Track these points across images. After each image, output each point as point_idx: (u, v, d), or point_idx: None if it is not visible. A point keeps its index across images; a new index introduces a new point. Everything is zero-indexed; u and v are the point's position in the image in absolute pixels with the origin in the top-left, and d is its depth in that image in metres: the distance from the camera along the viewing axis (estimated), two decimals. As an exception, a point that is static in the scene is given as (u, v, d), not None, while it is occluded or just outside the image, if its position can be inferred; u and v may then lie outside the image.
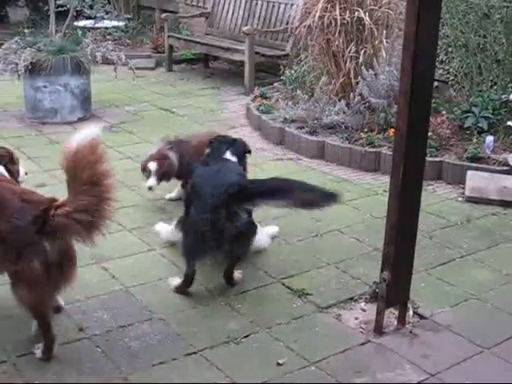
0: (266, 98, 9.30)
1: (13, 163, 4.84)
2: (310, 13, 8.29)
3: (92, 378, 3.98)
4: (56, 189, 6.60)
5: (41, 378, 3.96)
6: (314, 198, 4.82)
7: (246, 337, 4.39)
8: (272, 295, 4.89)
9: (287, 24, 10.43)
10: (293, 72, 9.30)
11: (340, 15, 7.93)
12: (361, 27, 8.05)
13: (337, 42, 8.04)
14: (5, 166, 4.71)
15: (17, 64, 8.73)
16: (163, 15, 12.49)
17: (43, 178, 6.92)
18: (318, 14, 7.99)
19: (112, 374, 4.03)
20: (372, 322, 4.51)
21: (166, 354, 4.19)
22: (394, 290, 4.39)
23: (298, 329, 4.49)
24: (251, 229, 5.03)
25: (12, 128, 8.83)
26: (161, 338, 4.35)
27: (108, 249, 5.47)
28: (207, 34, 12.31)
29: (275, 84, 9.94)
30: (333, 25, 8.01)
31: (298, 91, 8.54)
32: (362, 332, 4.49)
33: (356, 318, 4.63)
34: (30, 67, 8.74)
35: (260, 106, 8.95)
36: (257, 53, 10.55)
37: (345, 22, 7.96)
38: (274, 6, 11.23)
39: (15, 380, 3.96)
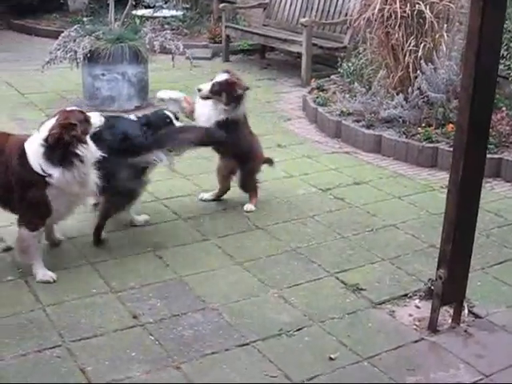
0: (322, 91, 9.24)
1: None
2: (369, 5, 8.20)
3: (144, 365, 4.00)
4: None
5: (94, 364, 3.99)
6: (198, 135, 5.59)
7: (298, 330, 4.36)
8: (325, 289, 4.85)
9: (346, 16, 10.38)
10: (350, 65, 9.22)
11: (400, 8, 7.82)
12: (421, 20, 7.93)
13: (396, 35, 7.94)
14: None
15: (76, 52, 8.84)
16: (221, 5, 12.50)
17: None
18: (378, 7, 7.91)
19: (164, 362, 4.04)
20: (426, 320, 4.46)
21: (219, 345, 4.19)
22: (450, 287, 4.33)
23: (351, 324, 4.46)
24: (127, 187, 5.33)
25: (70, 115, 8.89)
26: (213, 328, 4.36)
27: (163, 237, 5.53)
28: (264, 25, 12.27)
29: (332, 76, 9.87)
30: (393, 18, 7.91)
31: (356, 84, 8.46)
32: (415, 329, 4.43)
33: (410, 315, 4.58)
34: (88, 55, 8.85)
35: (317, 98, 8.89)
36: (314, 44, 10.49)
37: (405, 14, 7.85)
38: (332, -3, 11.15)
39: (69, 364, 3.99)
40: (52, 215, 4.74)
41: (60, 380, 3.86)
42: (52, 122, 4.63)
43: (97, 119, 4.83)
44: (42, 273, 4.82)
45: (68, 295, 4.68)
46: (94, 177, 4.81)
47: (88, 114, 4.80)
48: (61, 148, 4.52)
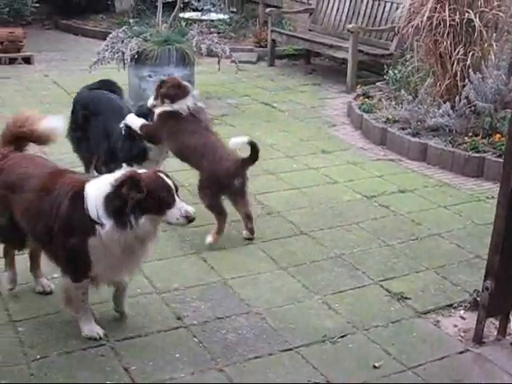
0: (368, 97, 9.20)
1: None
2: (417, 13, 8.16)
3: (187, 366, 4.01)
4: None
5: (138, 363, 4.01)
6: None
7: (342, 337, 4.35)
8: (370, 296, 4.83)
9: (392, 23, 10.34)
10: (397, 72, 9.18)
11: (449, 16, 7.78)
12: (470, 29, 7.88)
13: (445, 44, 7.90)
14: None
15: (123, 53, 8.90)
16: (267, 10, 12.52)
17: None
18: (426, 15, 7.87)
19: (208, 364, 4.05)
20: (471, 331, 4.41)
21: (262, 349, 4.20)
22: (497, 299, 4.28)
23: (396, 332, 4.43)
24: None
25: (116, 115, 8.97)
26: (257, 333, 4.36)
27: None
28: (310, 30, 12.25)
29: (377, 83, 9.83)
30: (441, 26, 7.87)
31: (402, 91, 8.42)
32: (460, 340, 4.39)
33: (455, 326, 4.54)
34: (135, 56, 8.89)
35: (362, 104, 8.86)
36: (360, 51, 10.46)
37: (454, 23, 7.80)
38: (379, 4, 11.09)
39: (113, 362, 4.02)
40: (92, 269, 4.10)
41: (103, 378, 3.89)
42: (137, 171, 4.09)
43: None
44: (88, 328, 4.25)
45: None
46: (135, 262, 4.25)
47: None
48: (126, 203, 3.92)
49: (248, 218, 5.65)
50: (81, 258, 4.04)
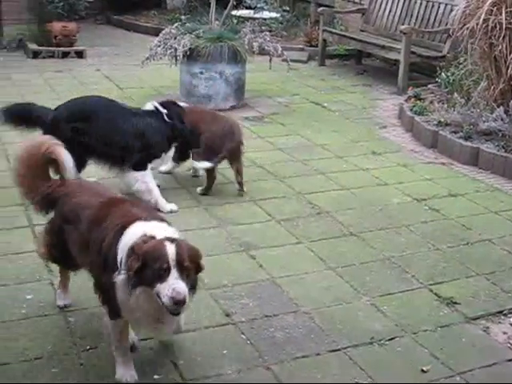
0: (419, 99, 9.12)
1: None
2: (472, 15, 8.07)
3: (235, 363, 4.02)
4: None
5: (186, 358, 4.04)
6: None
7: (390, 339, 4.32)
8: (419, 300, 4.80)
9: (446, 25, 10.24)
10: (449, 74, 9.09)
11: (506, 19, 7.68)
12: (527, 33, 7.79)
13: (500, 47, 7.80)
14: None
15: (176, 49, 8.94)
16: (319, 9, 12.48)
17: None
18: (482, 17, 7.78)
19: (255, 361, 4.06)
20: (522, 339, 4.37)
21: (310, 349, 4.19)
22: (549, 307, 4.23)
23: (444, 337, 4.39)
24: None
25: (166, 111, 9.02)
26: (305, 332, 4.35)
27: (256, 238, 5.56)
28: (362, 31, 12.19)
29: (429, 85, 9.75)
30: (497, 29, 7.78)
31: (455, 94, 8.34)
32: (510, 348, 4.34)
33: (504, 333, 4.49)
34: (188, 53, 8.93)
35: (414, 106, 8.79)
36: (412, 52, 10.37)
37: (510, 26, 7.71)
38: (433, 5, 10.99)
39: (161, 356, 4.04)
40: (121, 312, 3.73)
41: (152, 371, 3.91)
42: (181, 243, 3.56)
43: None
44: (122, 372, 3.84)
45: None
46: (159, 326, 3.73)
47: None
48: (143, 268, 3.44)
49: (238, 172, 6.42)
50: (111, 296, 3.69)
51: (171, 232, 3.67)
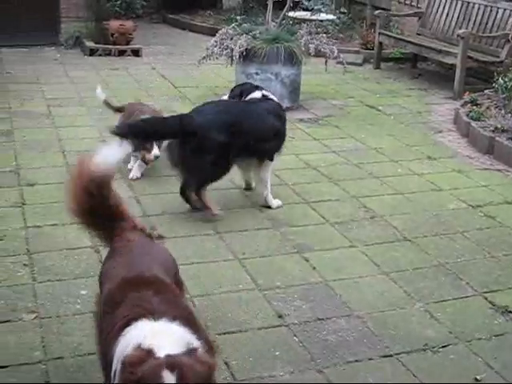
0: (476, 105, 9.01)
1: None
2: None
3: (287, 365, 4.02)
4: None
5: (239, 358, 4.05)
6: None
7: (444, 347, 4.29)
8: (473, 308, 4.75)
9: (504, 30, 10.13)
10: (507, 80, 8.97)
11: None
12: None
13: (560, 53, 7.69)
14: None
15: (232, 49, 8.95)
16: (376, 12, 12.41)
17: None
18: (543, 23, 7.67)
19: (307, 364, 4.06)
20: None
21: (362, 353, 4.17)
22: None
23: (499, 346, 4.34)
24: None
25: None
26: (358, 336, 4.33)
27: (310, 240, 5.55)
28: (418, 34, 12.09)
29: (486, 91, 9.63)
30: (557, 35, 7.67)
31: (513, 101, 8.24)
32: None
33: (560, 344, 4.43)
34: (244, 53, 8.93)
35: (470, 112, 8.69)
36: (469, 57, 10.26)
37: None
38: (491, 10, 10.85)
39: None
40: None
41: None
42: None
43: None
44: None
45: (215, 288, 4.77)
46: None
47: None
48: None
49: None
50: None
51: (177, 341, 2.76)
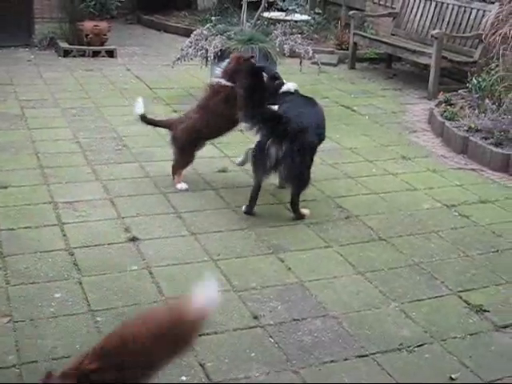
0: (450, 105, 9.06)
1: None
2: (504, 20, 8.03)
3: (263, 366, 4.01)
4: (237, 175, 6.78)
5: (214, 360, 4.03)
6: None
7: (419, 346, 4.29)
8: (448, 307, 4.76)
9: (478, 30, 10.19)
10: (481, 80, 9.03)
11: (539, 25, 7.64)
12: (559, 39, 7.73)
13: (533, 53, 7.75)
14: None
15: (207, 50, 8.94)
16: (350, 12, 12.44)
17: (225, 163, 7.05)
18: (515, 23, 7.73)
19: (283, 365, 4.04)
20: (552, 348, 4.32)
21: (338, 353, 4.17)
22: None
23: (473, 345, 4.35)
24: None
25: (196, 112, 9.04)
26: (333, 337, 4.33)
27: (285, 241, 5.55)
28: (393, 35, 12.14)
29: (460, 91, 9.68)
30: (530, 35, 7.73)
31: (486, 100, 8.28)
32: (539, 357, 4.31)
33: (535, 342, 4.45)
34: (219, 54, 8.91)
35: (444, 112, 8.73)
36: (444, 57, 10.31)
37: (544, 32, 7.66)
38: (465, 10, 10.90)
39: (188, 358, 4.03)
40: None
41: (179, 373, 3.90)
42: None
43: None
44: None
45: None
46: None
47: None
48: None
49: None
50: None
51: None
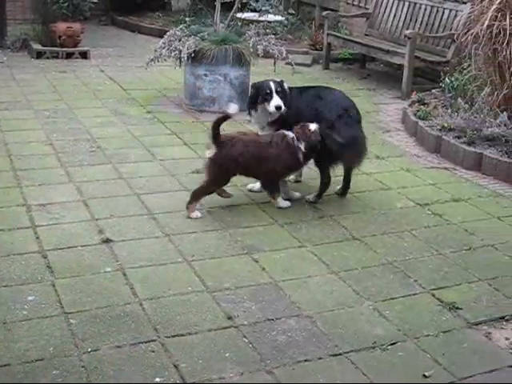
0: (423, 104, 9.12)
1: None
2: (476, 21, 8.08)
3: (237, 366, 4.01)
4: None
5: (188, 361, 4.02)
6: None
7: (392, 344, 4.31)
8: (421, 305, 4.78)
9: (450, 30, 10.26)
10: (453, 80, 9.10)
11: (510, 25, 7.68)
12: (531, 38, 7.77)
13: (504, 53, 7.79)
14: None
15: (180, 51, 8.94)
16: (324, 13, 12.50)
17: (199, 164, 7.03)
18: (486, 23, 7.78)
19: (257, 365, 4.04)
20: (524, 345, 4.36)
21: (312, 353, 4.18)
22: (552, 314, 4.22)
23: (446, 342, 4.38)
24: None
25: (170, 113, 9.06)
26: (307, 336, 4.34)
27: (259, 241, 5.55)
28: (366, 35, 12.21)
29: (433, 90, 9.75)
30: (501, 35, 7.77)
31: (459, 100, 8.34)
32: (511, 353, 4.33)
33: (507, 339, 4.47)
34: (192, 55, 8.93)
35: (417, 111, 8.79)
36: (417, 57, 10.38)
37: (514, 32, 7.71)
38: (437, 10, 11.00)
39: (163, 359, 4.04)
40: None
41: (153, 374, 3.90)
42: None
43: None
44: None
45: (164, 291, 4.74)
46: None
47: None
48: None
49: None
50: None
51: None
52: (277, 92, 6.31)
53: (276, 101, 6.27)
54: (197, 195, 5.96)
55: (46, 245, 5.30)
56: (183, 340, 4.23)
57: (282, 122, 6.35)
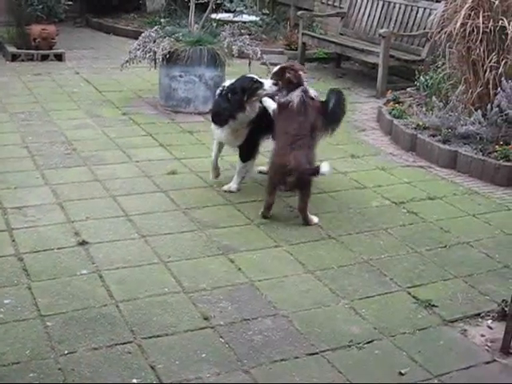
0: (398, 103, 9.17)
1: None
2: (450, 19, 8.12)
3: (214, 367, 4.01)
4: (186, 177, 6.79)
5: (165, 362, 4.03)
6: None
7: (368, 342, 4.33)
8: (397, 303, 4.81)
9: (425, 29, 10.31)
10: (428, 78, 9.15)
11: (483, 23, 7.71)
12: (503, 36, 7.81)
13: (477, 51, 7.84)
14: None
15: (155, 52, 8.94)
16: (299, 13, 12.53)
17: (174, 165, 7.04)
18: (460, 21, 7.82)
19: (233, 365, 4.05)
20: (499, 341, 4.37)
21: (288, 352, 4.19)
22: (525, 310, 4.25)
23: (422, 340, 4.40)
24: None
25: (145, 114, 9.04)
26: (283, 335, 4.35)
27: (235, 241, 5.55)
28: (341, 34, 12.24)
29: (408, 89, 9.80)
30: (474, 33, 7.82)
31: (434, 98, 8.39)
32: (487, 350, 4.35)
33: (482, 335, 4.51)
34: (167, 56, 8.91)
35: (392, 110, 8.82)
36: (391, 56, 10.43)
37: (487, 30, 7.74)
38: (411, 9, 11.06)
39: (139, 360, 4.03)
40: None
41: (130, 375, 3.90)
42: None
43: None
44: None
45: (141, 292, 4.73)
46: None
47: None
48: None
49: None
50: None
51: None
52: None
53: (269, 80, 6.30)
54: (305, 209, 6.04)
55: (21, 248, 5.28)
56: (160, 341, 4.23)
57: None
